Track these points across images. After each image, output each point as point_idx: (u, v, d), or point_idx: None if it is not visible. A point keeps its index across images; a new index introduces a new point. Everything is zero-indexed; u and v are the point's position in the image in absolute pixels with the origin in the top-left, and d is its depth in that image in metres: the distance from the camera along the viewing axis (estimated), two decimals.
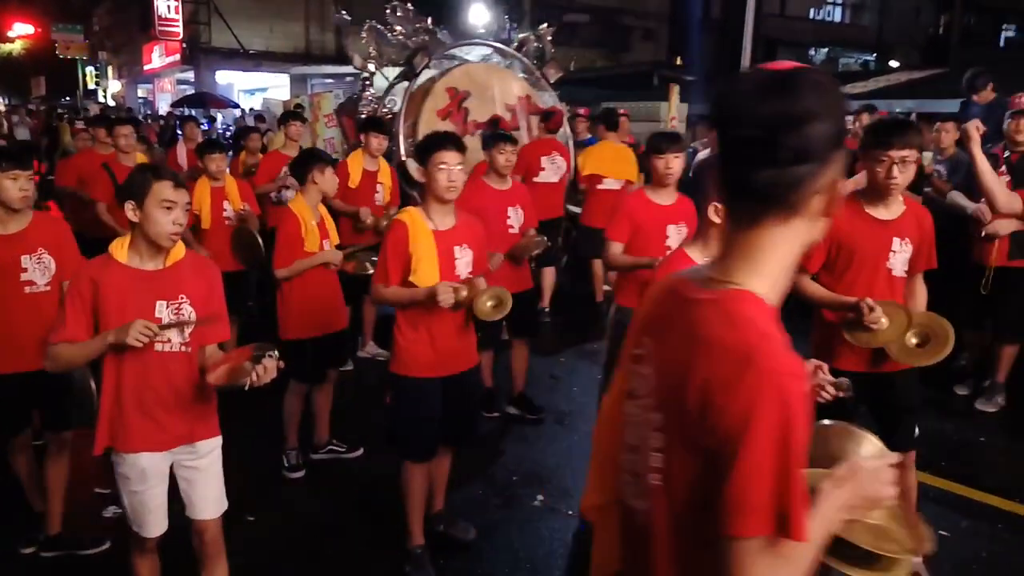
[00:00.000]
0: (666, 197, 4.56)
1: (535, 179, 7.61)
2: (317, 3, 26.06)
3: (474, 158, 6.05)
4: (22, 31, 38.94)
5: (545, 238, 5.67)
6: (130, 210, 2.85)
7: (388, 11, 8.70)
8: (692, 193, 4.53)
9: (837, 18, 40.12)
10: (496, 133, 5.87)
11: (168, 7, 25.76)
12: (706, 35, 24.24)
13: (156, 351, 2.90)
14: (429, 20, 8.82)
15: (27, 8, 38.49)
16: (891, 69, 23.14)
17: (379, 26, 8.72)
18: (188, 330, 2.95)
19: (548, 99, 9.21)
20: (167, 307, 2.93)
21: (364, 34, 8.74)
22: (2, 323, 3.71)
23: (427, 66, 8.51)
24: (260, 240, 5.68)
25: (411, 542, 3.91)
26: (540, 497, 4.61)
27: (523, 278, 5.56)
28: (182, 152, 9.37)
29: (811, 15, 37.95)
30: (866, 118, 7.97)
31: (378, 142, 6.67)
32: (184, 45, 26.36)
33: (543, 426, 5.66)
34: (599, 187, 8.10)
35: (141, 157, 7.12)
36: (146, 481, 2.98)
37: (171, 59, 27.50)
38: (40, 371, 3.57)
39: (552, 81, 9.33)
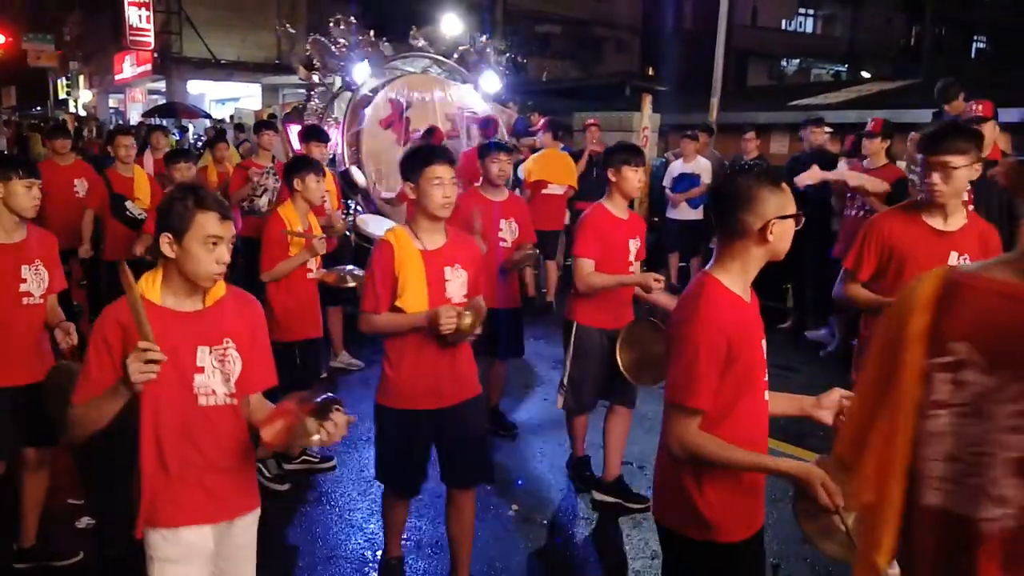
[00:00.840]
0: (623, 211, 4.52)
1: (476, 184, 7.68)
2: (289, 14, 25.96)
3: None
4: None
5: (538, 252, 5.72)
6: (166, 243, 2.45)
7: (332, 24, 8.97)
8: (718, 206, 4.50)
9: (809, 29, 40.59)
10: (492, 142, 5.88)
11: (139, 17, 25.51)
12: (678, 46, 24.41)
13: (200, 405, 2.51)
14: (372, 33, 9.10)
15: None
16: (863, 80, 23.32)
17: (322, 39, 8.95)
18: (234, 377, 2.56)
19: (488, 108, 9.54)
20: (211, 354, 2.53)
21: (308, 46, 9.08)
22: (2, 337, 3.65)
23: (369, 77, 8.77)
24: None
25: (387, 553, 3.84)
26: (514, 507, 4.65)
27: (510, 296, 5.40)
28: (149, 162, 9.26)
29: (783, 26, 38.37)
30: (818, 131, 8.06)
31: (319, 151, 6.66)
32: (155, 55, 26.11)
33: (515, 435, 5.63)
34: (544, 192, 8.58)
35: (139, 169, 7.25)
36: (190, 562, 2.55)
37: (142, 69, 27.23)
38: (34, 384, 3.63)
39: (492, 91, 9.66)
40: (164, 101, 25.50)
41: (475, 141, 8.55)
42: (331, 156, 8.09)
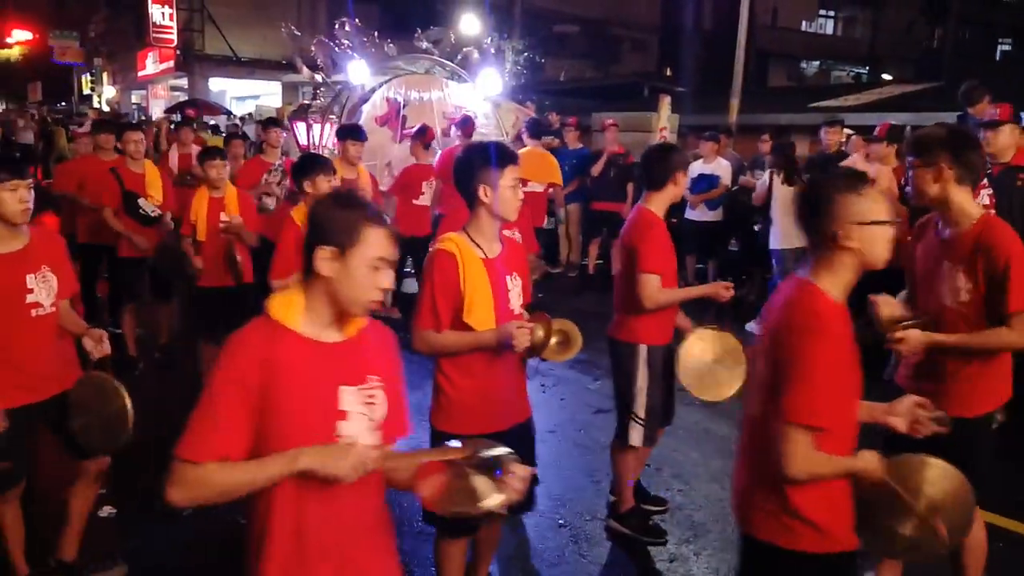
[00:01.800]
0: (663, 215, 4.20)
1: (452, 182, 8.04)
2: (309, 12, 26.09)
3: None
4: (20, 37, 39.08)
5: (543, 262, 5.66)
6: (325, 259, 1.99)
7: (337, 26, 9.23)
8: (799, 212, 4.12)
9: (829, 30, 40.36)
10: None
11: (163, 15, 25.77)
12: (697, 47, 24.33)
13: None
14: (376, 34, 9.39)
15: (25, 15, 38.66)
16: (884, 82, 23.19)
17: (326, 40, 9.24)
18: (378, 424, 2.12)
19: (489, 107, 9.84)
20: (355, 396, 2.05)
21: (313, 47, 9.31)
22: (9, 352, 3.34)
23: (368, 76, 8.99)
24: (239, 260, 5.64)
25: None
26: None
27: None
28: (174, 156, 9.40)
29: (803, 27, 38.17)
30: (834, 132, 8.04)
31: (356, 149, 6.57)
32: (178, 52, 26.37)
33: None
34: (524, 190, 8.36)
35: (150, 165, 7.12)
36: None
37: (165, 66, 27.51)
38: (50, 399, 3.41)
39: (493, 91, 9.85)
40: (186, 98, 25.71)
41: (454, 140, 8.73)
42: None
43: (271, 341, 1.98)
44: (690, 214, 9.79)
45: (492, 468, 2.00)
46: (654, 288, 3.95)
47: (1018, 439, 5.68)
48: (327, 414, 2.02)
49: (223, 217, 5.71)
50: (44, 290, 3.40)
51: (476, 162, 3.14)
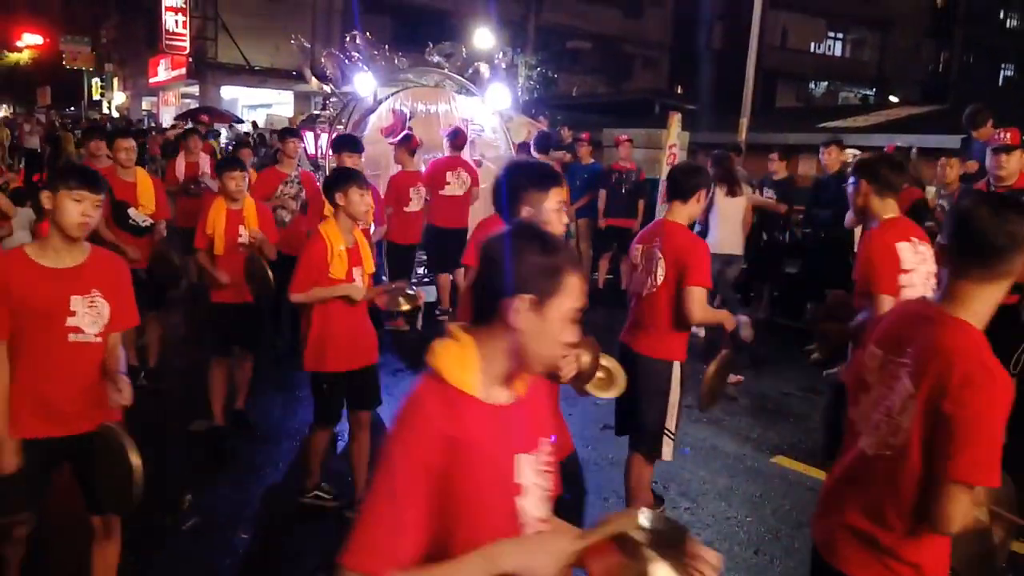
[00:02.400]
0: None
1: (441, 192, 8.46)
2: (324, 23, 26.28)
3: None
4: (31, 41, 39.26)
5: None
6: (522, 309, 1.65)
7: (347, 39, 9.34)
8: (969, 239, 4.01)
9: (837, 52, 40.53)
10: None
11: (176, 22, 25.97)
12: (707, 65, 24.49)
13: None
14: (386, 47, 9.52)
15: (37, 19, 38.87)
16: (891, 104, 23.33)
17: (336, 52, 9.36)
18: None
19: (496, 121, 9.92)
20: (531, 465, 1.78)
21: (323, 59, 9.39)
22: (36, 376, 3.02)
23: (376, 88, 9.05)
24: (270, 272, 5.28)
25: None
26: None
27: None
28: (181, 165, 9.17)
29: (812, 48, 38.36)
30: (834, 150, 8.09)
31: (352, 162, 6.25)
32: (190, 60, 26.53)
33: None
34: None
35: (142, 173, 6.61)
36: None
37: (176, 73, 27.67)
38: (75, 437, 3.06)
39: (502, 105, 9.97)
40: (197, 105, 25.87)
41: (447, 151, 8.84)
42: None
43: (452, 412, 1.65)
44: (697, 231, 9.89)
45: (671, 545, 1.68)
46: (704, 301, 4.00)
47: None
48: (506, 490, 1.72)
49: (242, 231, 5.42)
50: (89, 316, 3.07)
51: (521, 182, 3.00)
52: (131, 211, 6.12)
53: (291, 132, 7.97)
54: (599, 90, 28.63)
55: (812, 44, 38.24)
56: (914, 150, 9.61)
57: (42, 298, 2.99)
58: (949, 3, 36.78)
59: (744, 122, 13.02)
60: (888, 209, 3.81)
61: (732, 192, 8.10)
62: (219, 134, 21.44)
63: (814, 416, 6.30)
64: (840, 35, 39.62)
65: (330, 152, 8.61)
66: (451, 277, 8.65)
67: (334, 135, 8.96)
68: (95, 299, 3.08)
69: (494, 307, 1.68)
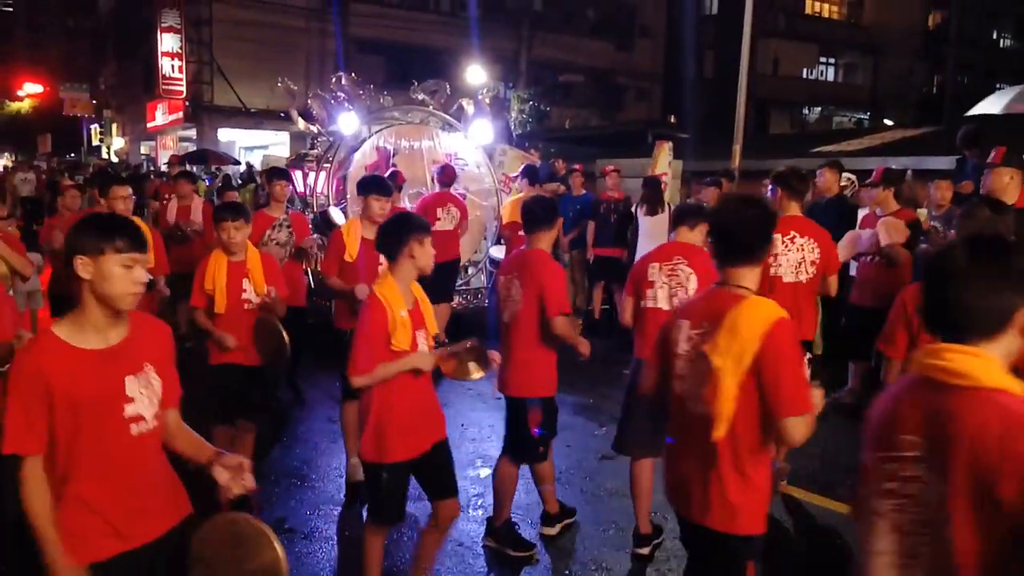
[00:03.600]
0: None
1: (432, 227, 8.26)
2: (318, 65, 26.52)
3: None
4: (31, 90, 39.70)
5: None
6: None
7: (334, 80, 9.59)
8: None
9: (830, 78, 40.80)
10: None
11: (172, 67, 26.19)
12: (700, 94, 24.63)
13: None
14: (371, 87, 9.77)
15: (37, 68, 39.37)
16: (885, 127, 23.40)
17: (322, 93, 9.62)
18: None
19: (480, 155, 10.12)
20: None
21: (310, 100, 9.62)
22: (98, 484, 2.42)
23: (359, 126, 9.22)
24: (287, 338, 4.78)
25: None
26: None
27: None
28: (173, 210, 8.84)
29: (804, 75, 38.63)
30: (828, 173, 8.11)
31: (380, 205, 5.38)
32: (187, 103, 26.73)
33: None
34: (520, 233, 8.71)
35: (139, 223, 6.37)
36: None
37: (174, 117, 27.88)
38: (154, 544, 2.52)
39: (484, 141, 10.15)
40: (194, 148, 26.05)
41: (436, 187, 8.98)
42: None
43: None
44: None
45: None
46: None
47: None
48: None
49: (246, 286, 4.87)
50: (147, 398, 2.50)
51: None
52: None
53: (279, 173, 7.36)
54: (592, 122, 28.81)
55: (804, 70, 38.53)
56: (909, 172, 9.58)
57: (91, 389, 2.37)
58: (940, 25, 37.12)
59: (737, 149, 13.03)
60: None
61: (654, 211, 9.21)
62: (216, 175, 21.52)
63: (820, 444, 6.20)
64: (832, 60, 39.91)
65: (330, 187, 8.78)
66: (450, 305, 8.79)
67: (321, 173, 9.04)
68: (150, 376, 2.51)
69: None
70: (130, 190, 6.18)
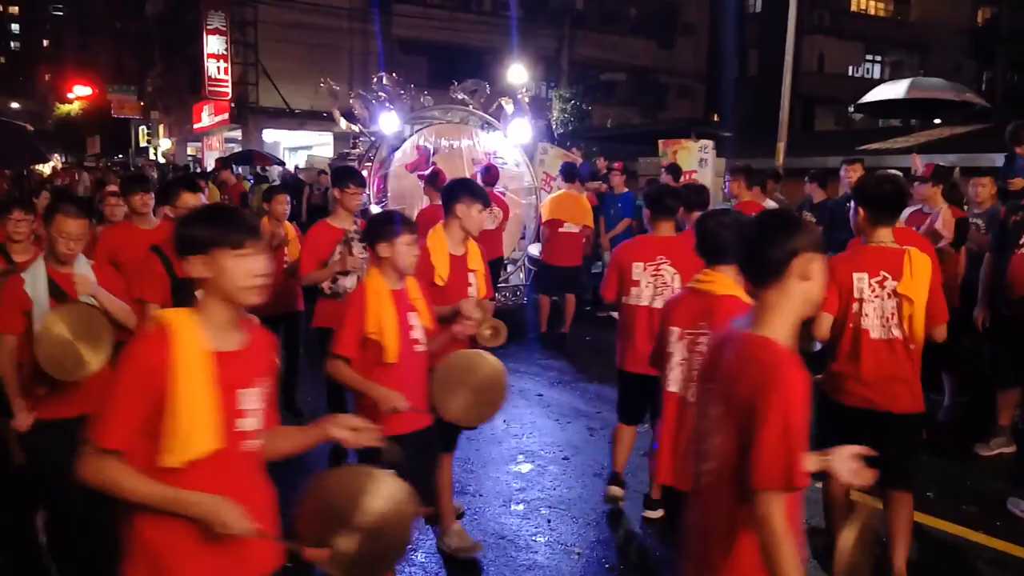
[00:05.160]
0: None
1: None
2: (361, 65, 26.74)
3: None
4: (81, 93, 40.56)
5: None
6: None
7: (375, 80, 9.71)
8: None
9: (876, 75, 40.17)
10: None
11: (218, 68, 26.59)
12: (743, 92, 24.41)
13: None
14: (412, 87, 9.83)
15: (86, 71, 40.24)
16: (933, 125, 22.98)
17: (364, 93, 9.72)
18: None
19: (519, 154, 10.18)
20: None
21: (352, 101, 9.68)
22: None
23: (400, 125, 9.34)
24: None
25: None
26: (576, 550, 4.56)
27: None
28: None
29: (850, 72, 38.08)
30: (854, 171, 7.84)
31: (478, 211, 4.31)
32: (232, 105, 27.12)
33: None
34: (560, 231, 9.08)
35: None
36: None
37: (220, 118, 28.29)
38: None
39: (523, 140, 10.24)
40: (240, 149, 26.41)
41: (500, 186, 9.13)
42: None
43: None
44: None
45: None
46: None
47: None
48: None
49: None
50: (255, 412, 2.28)
51: None
52: (199, 292, 4.16)
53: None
54: (634, 121, 28.69)
55: (850, 68, 37.96)
56: (956, 170, 9.42)
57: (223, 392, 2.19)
58: (989, 21, 36.37)
59: (781, 146, 12.93)
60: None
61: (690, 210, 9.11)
62: (266, 179, 21.66)
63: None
64: (879, 58, 39.29)
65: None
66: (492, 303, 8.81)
67: (363, 172, 9.13)
68: (260, 390, 2.29)
69: None
70: (202, 197, 5.32)
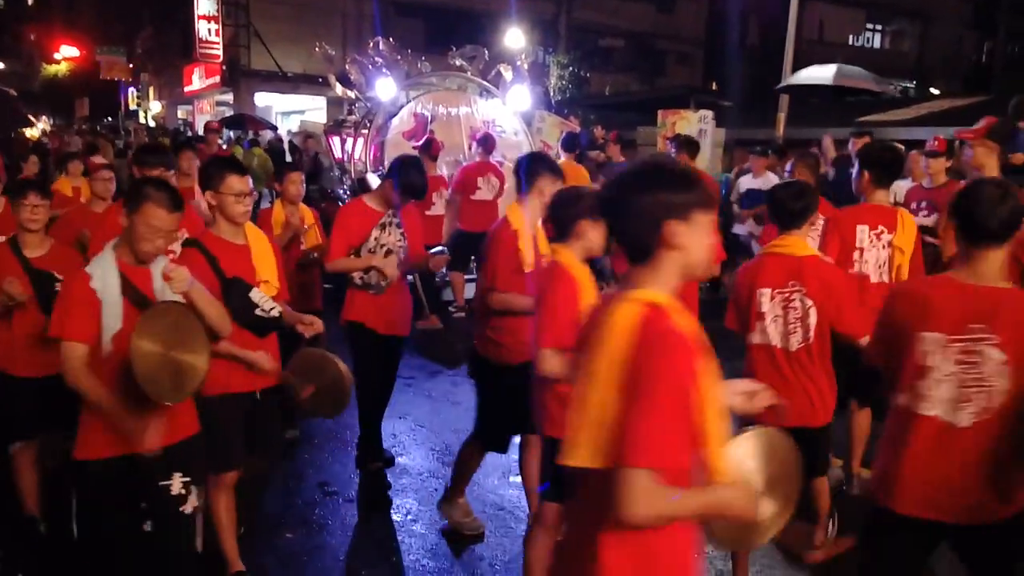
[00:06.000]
0: None
1: (472, 196, 8.63)
2: (355, 28, 26.38)
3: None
4: (68, 54, 39.94)
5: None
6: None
7: (371, 45, 9.58)
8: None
9: (876, 44, 39.90)
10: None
11: (209, 30, 26.17)
12: (743, 60, 24.19)
13: None
14: (409, 52, 9.72)
15: (73, 32, 39.57)
16: (932, 96, 22.87)
17: (360, 58, 9.56)
18: None
19: (518, 122, 10.07)
20: None
21: (348, 66, 9.55)
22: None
23: (397, 92, 9.21)
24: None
25: None
26: None
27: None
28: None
29: (850, 41, 37.78)
30: (860, 142, 7.83)
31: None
32: (224, 67, 26.75)
33: None
34: None
35: (253, 229, 4.72)
36: None
37: (211, 81, 27.92)
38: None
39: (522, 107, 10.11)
40: (231, 113, 26.09)
41: (477, 156, 8.93)
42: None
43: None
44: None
45: None
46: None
47: None
48: None
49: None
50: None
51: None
52: (254, 294, 3.66)
53: (426, 146, 5.94)
54: (632, 88, 28.42)
55: (850, 36, 37.64)
56: (957, 144, 9.33)
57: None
58: None
59: (781, 116, 12.83)
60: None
61: None
62: (256, 143, 21.35)
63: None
64: (879, 27, 38.93)
65: (368, 154, 8.73)
66: (465, 276, 8.92)
67: (359, 139, 9.01)
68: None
69: None
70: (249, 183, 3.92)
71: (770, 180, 9.57)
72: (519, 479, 4.93)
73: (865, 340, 3.36)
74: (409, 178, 4.56)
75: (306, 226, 5.42)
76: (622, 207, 1.96)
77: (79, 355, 3.00)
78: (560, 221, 3.31)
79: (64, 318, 3.02)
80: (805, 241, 3.77)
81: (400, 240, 4.69)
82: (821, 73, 12.62)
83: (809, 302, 3.59)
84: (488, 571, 4.09)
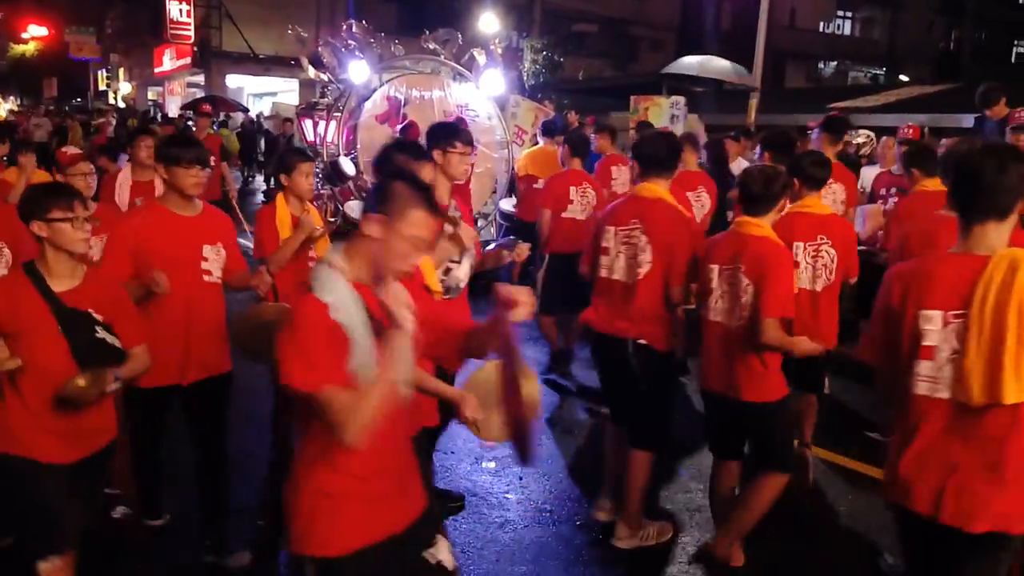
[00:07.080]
0: None
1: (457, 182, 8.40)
2: (328, 10, 26.18)
3: None
4: (36, 33, 39.27)
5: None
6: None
7: (344, 28, 9.37)
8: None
9: (847, 31, 40.19)
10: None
11: (180, 11, 25.90)
12: (716, 46, 24.26)
13: None
14: (383, 35, 9.56)
15: (41, 10, 38.86)
16: (902, 83, 23.11)
17: (332, 40, 9.38)
18: None
19: (491, 107, 9.87)
20: None
21: (320, 48, 9.37)
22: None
23: (370, 75, 9.04)
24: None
25: None
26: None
27: None
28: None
29: (821, 28, 38.02)
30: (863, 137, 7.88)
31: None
32: (195, 49, 26.48)
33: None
34: (535, 186, 8.76)
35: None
36: None
37: (182, 62, 27.65)
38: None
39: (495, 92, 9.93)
40: (202, 94, 25.85)
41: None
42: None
43: None
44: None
45: None
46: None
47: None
48: None
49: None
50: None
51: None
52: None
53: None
54: (606, 73, 28.43)
55: (821, 23, 37.91)
56: (925, 130, 9.48)
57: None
58: None
59: (753, 103, 12.92)
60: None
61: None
62: (225, 124, 21.23)
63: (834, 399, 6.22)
64: (849, 14, 39.25)
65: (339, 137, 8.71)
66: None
67: (332, 122, 8.98)
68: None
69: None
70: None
71: (741, 166, 9.67)
72: (491, 465, 5.02)
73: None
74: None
75: (319, 228, 4.29)
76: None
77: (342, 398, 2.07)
78: (761, 197, 3.65)
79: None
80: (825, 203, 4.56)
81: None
82: (689, 64, 13.49)
83: (834, 252, 4.24)
84: (461, 558, 4.09)
